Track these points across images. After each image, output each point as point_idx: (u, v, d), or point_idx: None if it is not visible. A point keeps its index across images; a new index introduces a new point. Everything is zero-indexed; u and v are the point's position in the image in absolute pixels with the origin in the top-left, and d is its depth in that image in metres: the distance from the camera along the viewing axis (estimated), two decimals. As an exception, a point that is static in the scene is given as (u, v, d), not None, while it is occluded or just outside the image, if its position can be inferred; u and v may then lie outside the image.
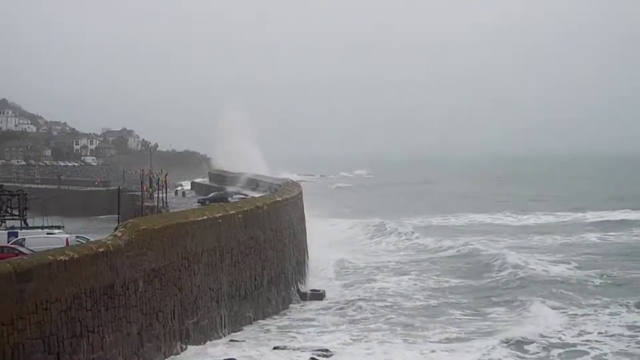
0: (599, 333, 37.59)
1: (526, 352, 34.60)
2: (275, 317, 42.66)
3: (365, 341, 36.55)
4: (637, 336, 37.05)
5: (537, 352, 34.61)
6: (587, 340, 36.36)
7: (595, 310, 42.50)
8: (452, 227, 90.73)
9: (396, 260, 64.24)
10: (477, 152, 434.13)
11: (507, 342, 35.47)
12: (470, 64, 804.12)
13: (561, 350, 34.87)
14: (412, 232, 79.59)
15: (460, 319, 41.94)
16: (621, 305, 43.38)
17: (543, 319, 40.17)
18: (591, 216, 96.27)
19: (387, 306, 45.23)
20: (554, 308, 43.04)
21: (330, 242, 74.45)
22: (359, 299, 46.96)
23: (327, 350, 33.62)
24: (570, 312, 42.20)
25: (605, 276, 53.16)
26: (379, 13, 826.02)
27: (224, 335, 35.96)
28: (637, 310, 42.51)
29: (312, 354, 33.03)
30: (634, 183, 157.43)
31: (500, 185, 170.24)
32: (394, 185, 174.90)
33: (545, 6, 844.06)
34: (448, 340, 36.87)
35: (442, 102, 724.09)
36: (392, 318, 41.95)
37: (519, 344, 35.41)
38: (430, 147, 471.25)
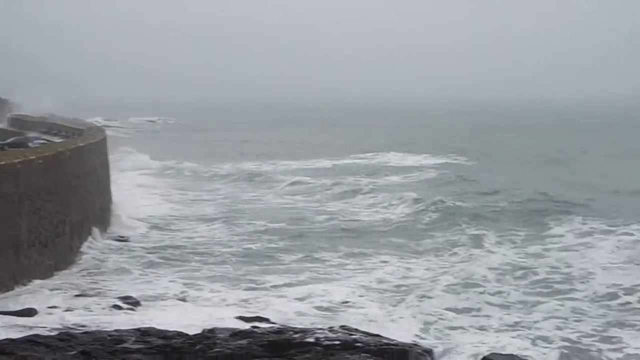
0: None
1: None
2: (78, 264, 41.64)
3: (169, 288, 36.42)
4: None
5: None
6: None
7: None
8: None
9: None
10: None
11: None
12: None
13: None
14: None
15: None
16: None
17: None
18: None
19: (194, 253, 45.22)
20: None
21: (145, 188, 73.65)
22: (169, 246, 46.71)
23: (130, 297, 33.27)
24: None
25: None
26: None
27: (24, 285, 34.80)
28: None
29: (117, 301, 32.57)
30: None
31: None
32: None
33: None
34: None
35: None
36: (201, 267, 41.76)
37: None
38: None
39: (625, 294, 34.24)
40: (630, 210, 55.90)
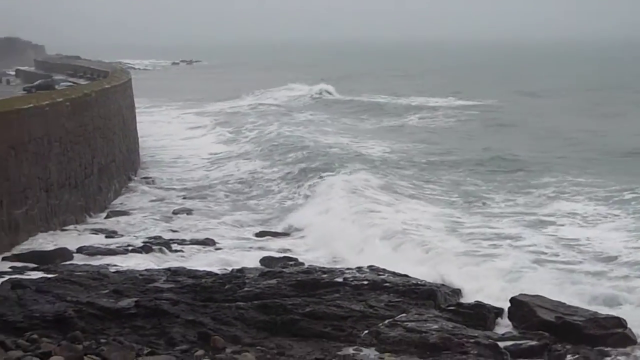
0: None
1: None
2: (107, 206, 41.98)
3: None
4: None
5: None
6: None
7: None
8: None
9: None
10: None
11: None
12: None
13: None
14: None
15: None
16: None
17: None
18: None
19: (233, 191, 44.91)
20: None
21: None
22: (202, 187, 46.31)
23: (160, 238, 33.59)
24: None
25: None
26: None
27: (56, 225, 35.21)
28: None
29: (146, 242, 32.82)
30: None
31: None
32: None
33: None
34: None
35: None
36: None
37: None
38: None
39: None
40: None
